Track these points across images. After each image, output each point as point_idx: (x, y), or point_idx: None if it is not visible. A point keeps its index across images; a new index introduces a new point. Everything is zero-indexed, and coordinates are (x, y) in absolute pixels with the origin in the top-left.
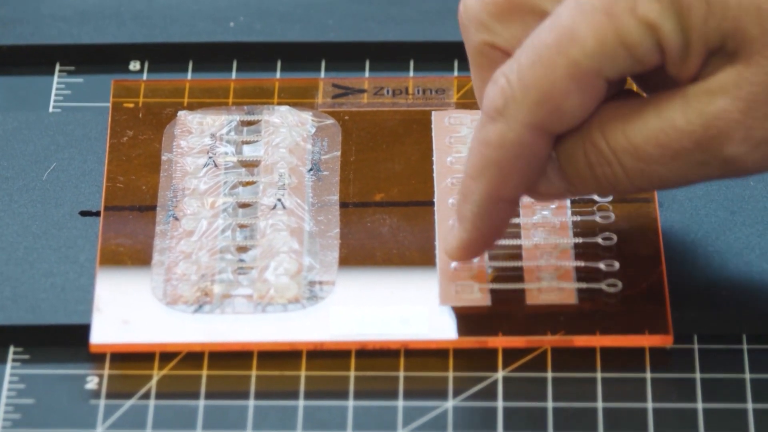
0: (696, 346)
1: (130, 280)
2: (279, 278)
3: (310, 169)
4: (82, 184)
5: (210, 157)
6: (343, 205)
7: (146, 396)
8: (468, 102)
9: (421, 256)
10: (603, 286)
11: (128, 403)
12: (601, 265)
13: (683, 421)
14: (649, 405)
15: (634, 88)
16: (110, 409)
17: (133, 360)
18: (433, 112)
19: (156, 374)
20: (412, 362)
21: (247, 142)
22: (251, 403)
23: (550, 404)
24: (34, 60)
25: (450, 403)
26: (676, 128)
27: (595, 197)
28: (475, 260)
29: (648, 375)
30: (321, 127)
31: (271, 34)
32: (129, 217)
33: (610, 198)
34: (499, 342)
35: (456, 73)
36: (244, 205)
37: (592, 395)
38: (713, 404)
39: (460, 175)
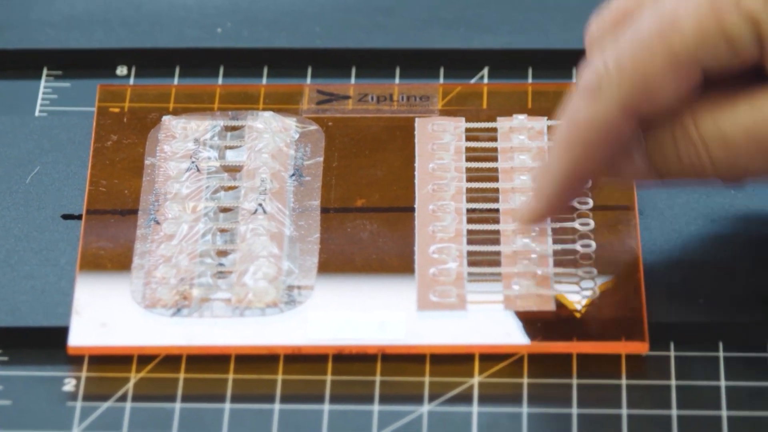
0: (672, 353)
1: (110, 284)
2: (257, 282)
3: (292, 175)
4: (66, 188)
5: (193, 162)
6: (324, 210)
7: (123, 398)
8: (452, 109)
9: (400, 262)
10: (580, 292)
11: (105, 405)
12: (579, 272)
13: (658, 428)
14: (624, 411)
15: None
16: (87, 411)
17: (110, 362)
18: (416, 119)
19: (133, 377)
20: (388, 367)
21: (231, 147)
22: (227, 406)
23: (525, 410)
24: (22, 64)
25: (425, 408)
26: (767, 120)
27: (575, 204)
28: (453, 266)
29: (623, 381)
30: (304, 133)
31: (258, 40)
32: (111, 221)
33: (590, 205)
34: (477, 348)
35: (441, 81)
36: (225, 210)
37: (567, 401)
38: (688, 411)
39: (442, 181)
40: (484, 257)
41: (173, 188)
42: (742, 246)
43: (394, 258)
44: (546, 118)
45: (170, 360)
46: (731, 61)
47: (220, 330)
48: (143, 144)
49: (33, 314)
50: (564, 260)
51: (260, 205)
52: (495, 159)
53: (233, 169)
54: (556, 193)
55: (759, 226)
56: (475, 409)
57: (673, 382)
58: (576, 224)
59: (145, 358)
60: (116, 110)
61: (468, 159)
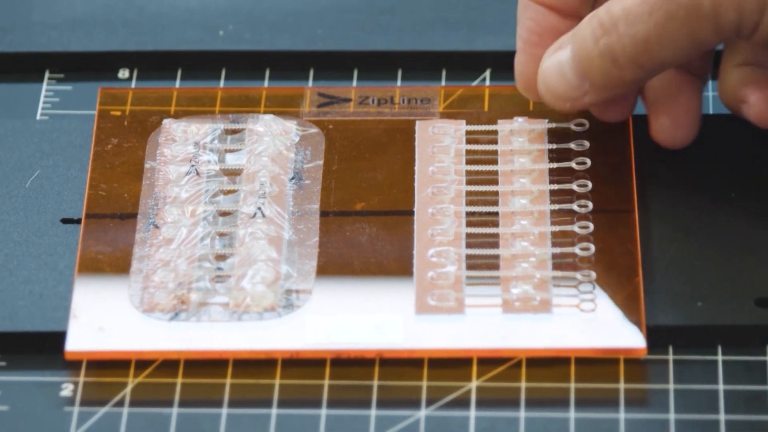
0: (671, 357)
1: (108, 288)
2: (255, 286)
3: (292, 178)
4: (65, 192)
5: (192, 166)
6: (324, 213)
7: (120, 403)
8: (453, 112)
9: (398, 266)
10: (579, 296)
11: (102, 411)
12: (578, 275)
13: None
14: (622, 415)
15: None
16: (84, 417)
17: (108, 367)
18: (417, 122)
19: (131, 381)
20: (386, 371)
21: (231, 151)
22: (224, 411)
23: (522, 414)
24: (24, 67)
25: (423, 413)
26: None
27: (575, 207)
28: (452, 269)
29: (622, 385)
30: (305, 136)
31: (260, 43)
32: (110, 225)
33: (590, 208)
34: (474, 352)
35: (443, 83)
36: (224, 214)
37: (565, 405)
38: (686, 415)
39: (442, 184)
40: (482, 260)
41: (173, 192)
42: (740, 250)
43: (392, 261)
44: (546, 120)
45: (168, 364)
46: None
47: (217, 334)
48: (143, 147)
49: (31, 319)
50: (563, 264)
51: (259, 208)
52: (495, 162)
53: (233, 173)
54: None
55: (757, 230)
56: (472, 413)
57: (672, 386)
58: (575, 227)
59: (142, 363)
60: (117, 113)
61: (468, 162)
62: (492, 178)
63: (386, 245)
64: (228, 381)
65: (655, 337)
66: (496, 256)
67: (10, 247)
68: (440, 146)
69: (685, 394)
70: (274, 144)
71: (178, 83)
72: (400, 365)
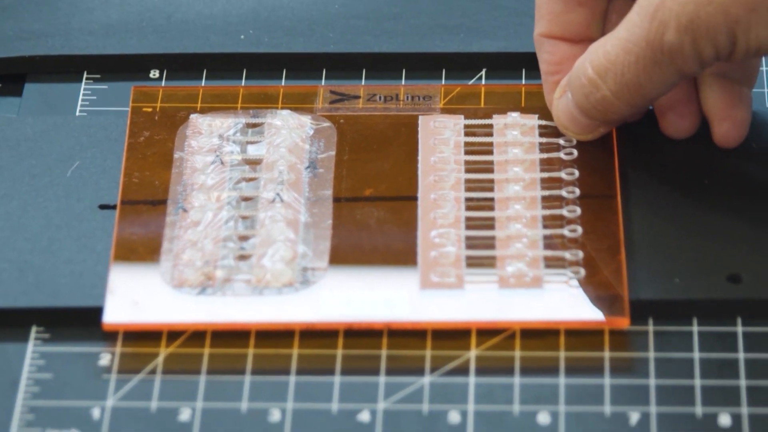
0: (651, 328)
1: (141, 266)
2: (275, 264)
3: (307, 167)
4: (102, 180)
5: (217, 156)
6: (336, 199)
7: (153, 371)
8: (452, 108)
9: (404, 246)
10: (568, 273)
11: (137, 378)
12: (567, 254)
13: (637, 396)
14: (607, 381)
15: None
16: (120, 383)
17: (142, 339)
18: (420, 117)
19: (163, 351)
20: (394, 342)
21: (252, 143)
22: (248, 378)
23: (517, 380)
24: (64, 69)
25: (427, 379)
26: (635, 33)
27: (563, 193)
28: (453, 249)
29: (606, 354)
30: (318, 129)
31: (277, 46)
32: (143, 210)
33: (577, 194)
34: (473, 324)
35: (443, 82)
36: (246, 199)
37: (555, 372)
38: (665, 380)
39: (443, 172)
40: (480, 241)
41: (199, 179)
42: (713, 231)
43: (399, 242)
44: (537, 116)
45: (196, 336)
46: None
47: (241, 308)
48: (173, 140)
49: (72, 295)
50: (553, 244)
51: (278, 194)
52: (491, 152)
53: (254, 162)
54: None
55: (728, 212)
56: (472, 379)
57: (652, 354)
58: (564, 211)
59: (173, 334)
60: (149, 110)
61: (466, 152)
62: (488, 167)
63: (393, 227)
64: (250, 351)
65: (637, 310)
66: (492, 237)
67: (53, 230)
68: (441, 138)
69: (664, 362)
70: (290, 136)
71: (203, 82)
72: (406, 336)
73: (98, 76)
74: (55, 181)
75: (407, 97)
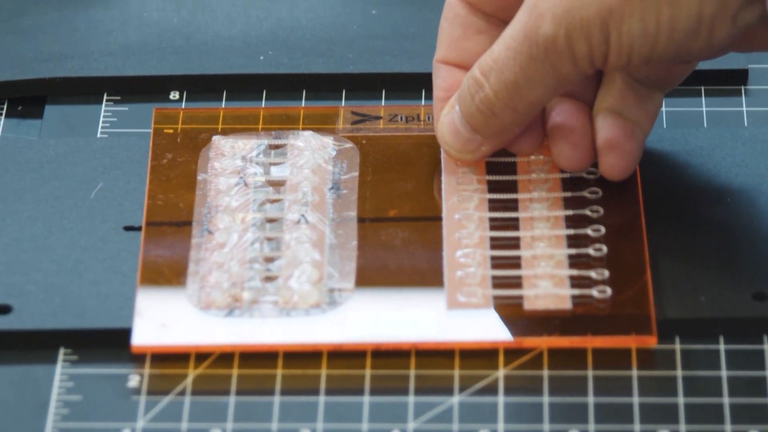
0: (678, 346)
1: (168, 288)
2: (302, 285)
3: (331, 188)
4: (126, 202)
5: (241, 178)
6: (360, 220)
7: (182, 393)
8: None
9: (430, 266)
10: (594, 292)
11: (166, 399)
12: (593, 274)
13: (666, 415)
14: (635, 399)
15: None
16: (150, 405)
17: (170, 360)
18: None
19: (191, 373)
20: (421, 362)
21: (275, 164)
22: (277, 399)
23: (546, 399)
24: (84, 90)
25: (456, 399)
26: (516, 29)
27: (587, 212)
28: (478, 269)
29: (634, 372)
30: (341, 150)
31: (296, 66)
32: (167, 231)
33: (601, 213)
34: (501, 343)
35: None
36: (271, 220)
37: (583, 391)
38: (693, 399)
39: (466, 193)
40: (505, 261)
41: (224, 201)
42: (737, 249)
43: (424, 262)
44: None
45: (224, 358)
46: None
47: (268, 329)
48: (195, 161)
49: (99, 317)
50: (578, 263)
51: (303, 215)
52: (514, 172)
53: (277, 184)
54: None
55: (751, 230)
56: (501, 399)
57: (680, 373)
58: (588, 231)
59: (201, 356)
60: (170, 131)
61: (489, 172)
62: (511, 187)
63: (418, 248)
64: (279, 372)
65: (663, 329)
66: (518, 257)
67: (78, 252)
68: None
69: (692, 380)
70: (313, 157)
71: (223, 103)
72: (434, 356)
73: (118, 97)
74: (79, 203)
75: (428, 117)
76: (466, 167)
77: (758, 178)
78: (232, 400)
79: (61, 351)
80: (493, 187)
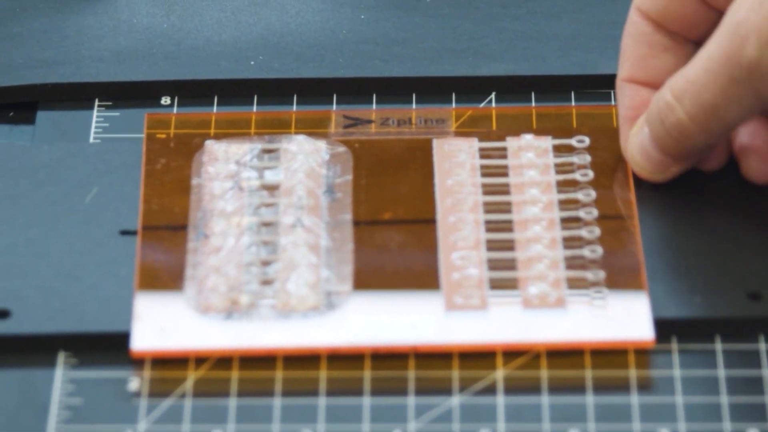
0: (674, 346)
1: (166, 292)
2: (299, 289)
3: (325, 192)
4: (121, 207)
5: (235, 182)
6: (356, 223)
7: (183, 395)
8: (465, 131)
9: (426, 268)
10: (590, 293)
11: (167, 402)
12: (589, 275)
13: (665, 414)
14: (634, 399)
15: None
16: (151, 407)
17: (170, 363)
18: (434, 140)
19: (191, 376)
20: (420, 363)
21: (268, 168)
22: (278, 401)
23: (545, 399)
24: (76, 96)
25: (456, 399)
26: (715, 50)
27: (581, 214)
28: (475, 271)
29: (632, 372)
30: (334, 154)
31: (287, 71)
32: (164, 236)
33: (596, 215)
34: (499, 345)
35: (454, 105)
36: (266, 224)
37: (582, 391)
38: (691, 398)
39: (460, 195)
40: (502, 263)
41: (218, 205)
42: (732, 249)
43: (420, 265)
44: (550, 137)
45: (224, 360)
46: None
47: (267, 332)
48: (189, 166)
49: (98, 321)
50: (574, 264)
51: (298, 219)
52: (506, 174)
53: (272, 188)
54: (620, 98)
55: (747, 230)
56: (500, 399)
57: (677, 372)
58: (583, 232)
59: (201, 359)
60: (163, 136)
61: (482, 175)
62: (505, 189)
63: (414, 250)
64: (279, 374)
65: (660, 329)
66: (514, 259)
67: (75, 256)
68: (456, 161)
69: (690, 380)
70: (307, 161)
71: (215, 109)
72: (433, 358)
73: (110, 103)
74: (74, 208)
75: (420, 121)
76: (460, 170)
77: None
78: (232, 402)
79: (61, 354)
80: (487, 189)
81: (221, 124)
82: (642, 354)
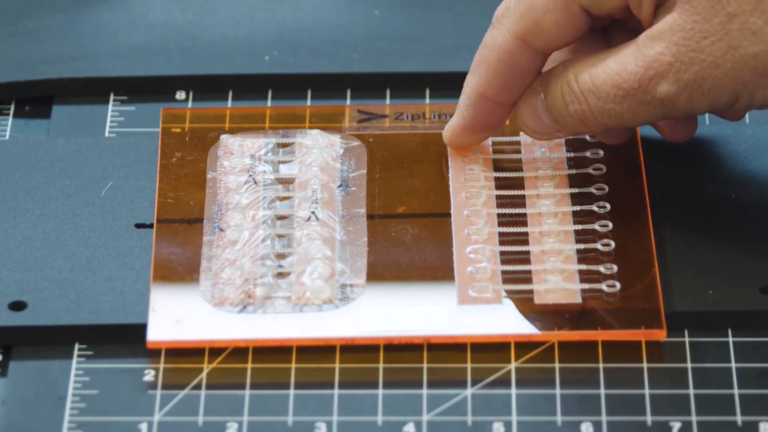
0: (687, 339)
1: (182, 285)
2: (314, 282)
3: (340, 185)
4: (137, 200)
5: (250, 175)
6: (370, 216)
7: (198, 387)
8: None
9: (440, 262)
10: (603, 286)
11: (182, 393)
12: (601, 268)
13: (677, 406)
14: (647, 391)
15: None
16: (166, 399)
17: (185, 355)
18: None
19: (206, 367)
20: (434, 355)
21: (283, 162)
22: (291, 392)
23: (558, 391)
24: (91, 91)
25: (469, 391)
26: (627, 71)
27: (594, 208)
28: (488, 264)
29: (644, 365)
30: (348, 148)
31: (302, 66)
32: (179, 229)
33: (608, 209)
34: (512, 337)
35: None
36: (281, 218)
37: (595, 383)
38: (703, 390)
39: (474, 189)
40: (515, 256)
41: (234, 199)
42: (744, 243)
43: (434, 258)
44: None
45: (238, 352)
46: (602, 3)
47: (282, 324)
48: (204, 160)
49: (114, 313)
50: (587, 258)
51: (313, 212)
52: (520, 169)
53: (287, 181)
54: (468, 109)
55: (758, 224)
56: (513, 391)
57: (689, 365)
58: (596, 226)
59: (216, 351)
60: (178, 130)
61: (496, 169)
62: (518, 183)
63: (428, 244)
64: (293, 366)
65: (672, 322)
66: (527, 252)
67: (91, 249)
68: (470, 156)
69: (702, 372)
70: (321, 155)
71: (229, 103)
72: (446, 350)
73: (125, 97)
74: (90, 201)
75: (434, 116)
76: (473, 164)
77: (763, 174)
78: (247, 393)
79: (76, 346)
80: (500, 183)
81: (236, 119)
82: (654, 346)
